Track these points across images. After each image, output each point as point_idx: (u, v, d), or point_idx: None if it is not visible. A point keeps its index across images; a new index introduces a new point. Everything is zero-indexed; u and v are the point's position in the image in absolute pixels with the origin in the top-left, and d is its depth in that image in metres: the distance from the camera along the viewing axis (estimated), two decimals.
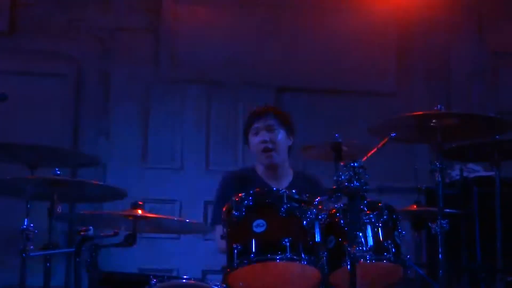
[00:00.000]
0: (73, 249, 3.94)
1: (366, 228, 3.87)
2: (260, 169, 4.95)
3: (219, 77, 6.76)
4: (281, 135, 4.81)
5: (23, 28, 6.53)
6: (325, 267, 3.90)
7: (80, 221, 4.36)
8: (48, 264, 4.70)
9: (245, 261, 3.83)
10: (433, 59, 7.01)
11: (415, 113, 4.36)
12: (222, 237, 4.00)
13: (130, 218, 3.96)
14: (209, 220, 5.18)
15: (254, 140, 4.83)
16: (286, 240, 3.81)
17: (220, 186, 4.95)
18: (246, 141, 4.94)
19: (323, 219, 3.95)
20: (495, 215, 4.86)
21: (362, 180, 3.79)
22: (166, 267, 6.07)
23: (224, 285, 3.92)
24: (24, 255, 4.53)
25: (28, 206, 4.71)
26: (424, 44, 6.97)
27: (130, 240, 3.99)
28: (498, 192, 4.84)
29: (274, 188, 4.05)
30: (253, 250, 3.83)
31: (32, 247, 4.53)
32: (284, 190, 3.95)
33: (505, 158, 4.93)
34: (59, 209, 4.53)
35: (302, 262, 3.84)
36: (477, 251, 5.54)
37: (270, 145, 4.78)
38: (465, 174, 5.81)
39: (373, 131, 4.39)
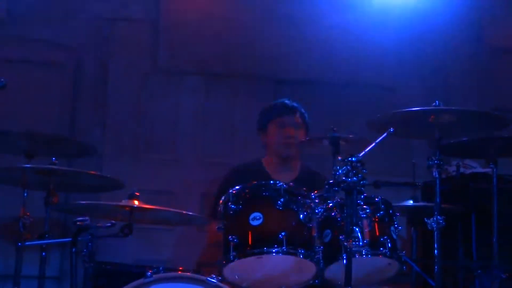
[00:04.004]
0: (69, 239, 3.95)
1: (362, 223, 3.88)
2: (267, 162, 5.01)
3: (217, 68, 6.74)
4: (302, 134, 4.95)
5: (21, 16, 6.50)
6: (321, 261, 3.91)
7: (77, 211, 4.36)
8: (43, 254, 4.69)
9: (241, 254, 3.84)
10: (431, 54, 7.00)
11: (413, 109, 4.36)
12: (218, 228, 4.02)
13: (127, 209, 3.97)
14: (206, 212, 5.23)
15: (278, 132, 4.96)
16: (283, 233, 3.82)
17: (223, 180, 4.98)
18: (262, 129, 5.03)
19: (320, 213, 3.96)
20: (491, 212, 4.86)
21: (359, 175, 3.80)
22: (161, 258, 6.06)
23: (220, 277, 3.93)
24: (19, 244, 4.52)
25: (25, 195, 4.70)
26: (422, 39, 6.96)
27: (126, 231, 4.00)
28: (495, 189, 4.85)
29: (271, 181, 4.05)
30: (249, 243, 3.84)
31: (28, 236, 4.53)
32: (281, 183, 3.96)
33: (502, 155, 4.93)
34: (56, 199, 4.53)
35: (298, 256, 3.85)
36: (473, 247, 5.54)
37: (293, 141, 4.96)
38: (461, 170, 5.81)
39: (371, 126, 4.39)
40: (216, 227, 4.02)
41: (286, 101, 5.15)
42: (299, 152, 5.02)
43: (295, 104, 5.10)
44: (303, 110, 5.10)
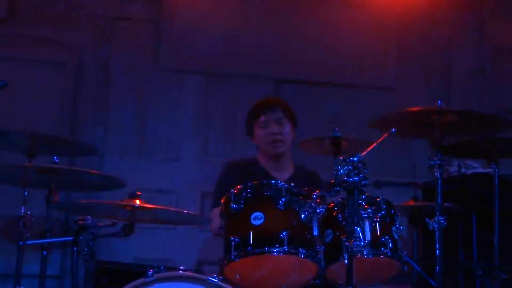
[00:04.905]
0: (70, 238, 3.95)
1: (364, 223, 3.89)
2: (262, 160, 5.01)
3: (219, 68, 6.74)
4: (288, 127, 4.94)
5: (23, 15, 6.50)
6: (322, 261, 3.91)
7: (78, 210, 4.36)
8: (44, 253, 4.69)
9: (243, 254, 3.84)
10: (433, 54, 7.00)
11: (415, 109, 4.36)
12: (219, 228, 4.02)
13: (128, 208, 3.97)
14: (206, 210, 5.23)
15: (263, 132, 4.94)
16: (284, 233, 3.82)
17: (222, 174, 5.00)
18: (249, 132, 5.03)
19: (321, 213, 3.96)
20: (492, 212, 4.86)
21: (361, 175, 3.80)
22: (162, 257, 6.05)
23: (221, 277, 3.92)
24: (20, 243, 4.52)
25: (26, 194, 4.70)
26: (424, 39, 6.95)
27: (127, 230, 4.00)
28: (497, 190, 4.85)
29: (273, 181, 4.06)
30: (251, 243, 3.84)
31: (28, 235, 4.53)
32: (282, 183, 3.96)
33: (503, 156, 4.94)
34: (57, 198, 4.53)
35: (300, 256, 3.85)
36: (474, 248, 5.55)
37: (279, 137, 4.89)
38: (463, 170, 5.80)
39: (373, 125, 4.39)
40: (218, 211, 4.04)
41: (265, 98, 5.13)
42: (289, 147, 5.00)
43: (274, 99, 5.07)
44: (284, 103, 5.05)
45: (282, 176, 4.86)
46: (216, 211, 4.23)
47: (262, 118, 4.95)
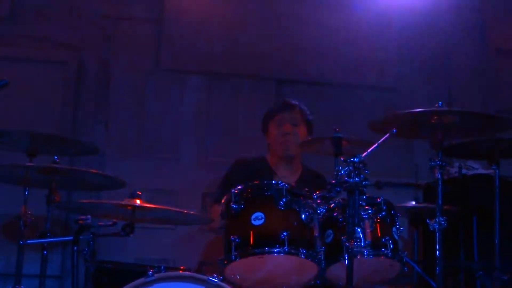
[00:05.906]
0: (71, 238, 3.95)
1: (364, 224, 3.88)
2: (271, 160, 5.02)
3: (219, 68, 6.74)
4: (302, 131, 4.93)
5: (24, 14, 6.51)
6: (323, 261, 3.91)
7: (78, 209, 4.36)
8: (45, 252, 4.69)
9: (243, 254, 3.84)
10: (434, 55, 6.99)
11: (416, 110, 4.36)
12: (220, 228, 4.02)
13: (129, 208, 3.96)
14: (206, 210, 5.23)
15: (277, 130, 4.95)
16: (284, 233, 3.82)
17: (229, 170, 5.00)
18: (264, 129, 5.05)
19: (321, 213, 3.96)
20: (493, 213, 4.86)
21: (361, 175, 3.80)
22: (163, 257, 6.06)
23: (221, 277, 3.92)
24: (21, 242, 4.52)
25: (26, 193, 4.70)
26: (425, 40, 6.96)
27: (127, 230, 4.00)
28: (498, 191, 4.85)
29: (274, 181, 4.05)
30: (251, 243, 3.84)
31: (29, 234, 4.53)
32: (283, 183, 3.96)
33: (504, 157, 4.93)
34: (58, 198, 4.53)
35: (300, 256, 3.85)
36: (474, 249, 5.55)
37: (292, 138, 4.88)
38: (463, 171, 5.80)
39: (374, 126, 4.39)
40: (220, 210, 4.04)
41: (285, 99, 5.17)
42: (299, 150, 5.00)
43: (293, 101, 5.08)
44: (303, 107, 5.06)
45: (289, 178, 4.86)
46: (217, 207, 4.22)
47: (279, 116, 5.00)
